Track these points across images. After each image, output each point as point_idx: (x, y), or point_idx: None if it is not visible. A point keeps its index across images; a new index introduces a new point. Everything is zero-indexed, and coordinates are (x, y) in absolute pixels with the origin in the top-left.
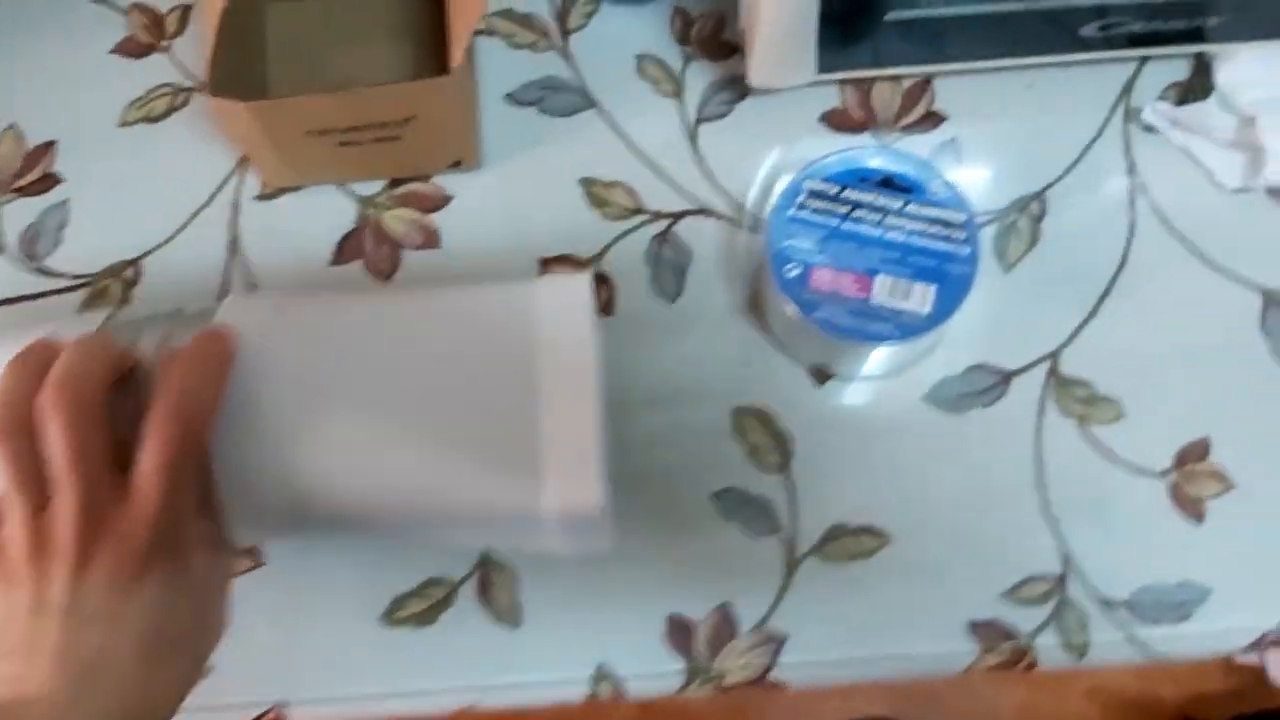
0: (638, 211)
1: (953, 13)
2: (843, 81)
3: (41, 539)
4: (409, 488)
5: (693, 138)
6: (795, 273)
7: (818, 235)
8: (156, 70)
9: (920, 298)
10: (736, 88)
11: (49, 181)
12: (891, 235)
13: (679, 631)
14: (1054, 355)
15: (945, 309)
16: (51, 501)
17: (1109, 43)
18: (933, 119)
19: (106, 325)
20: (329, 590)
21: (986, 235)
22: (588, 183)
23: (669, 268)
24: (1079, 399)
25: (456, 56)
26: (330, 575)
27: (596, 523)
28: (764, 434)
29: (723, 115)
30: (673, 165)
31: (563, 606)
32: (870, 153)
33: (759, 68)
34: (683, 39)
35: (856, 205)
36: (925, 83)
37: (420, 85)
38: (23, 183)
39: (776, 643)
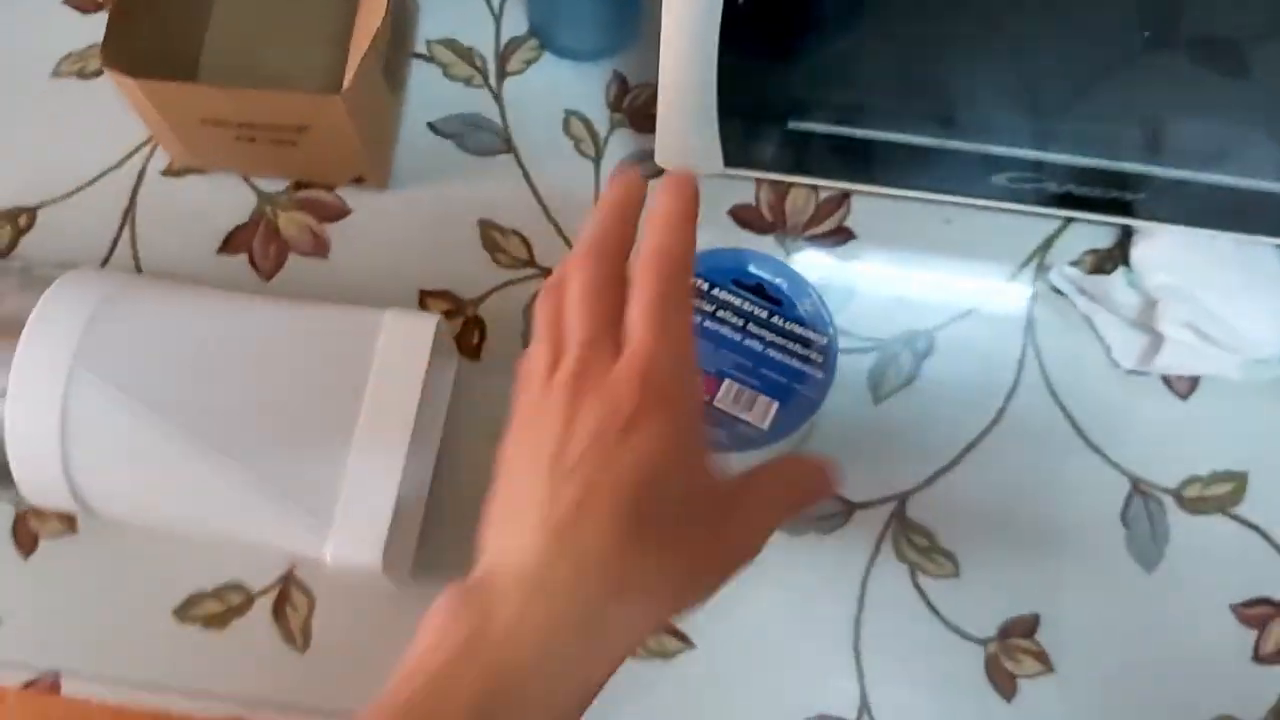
0: (529, 264)
1: (860, 135)
2: (759, 180)
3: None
4: (196, 499)
5: None
6: None
7: None
8: (103, 28)
9: (762, 412)
10: (655, 164)
11: None
12: (750, 343)
13: None
14: (903, 497)
15: (784, 428)
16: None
17: (1036, 197)
18: (842, 234)
19: None
20: (131, 569)
21: (865, 362)
22: (487, 225)
23: None
24: (917, 547)
25: (347, 80)
26: (135, 554)
27: (377, 574)
28: None
29: None
30: (575, 226)
31: (351, 639)
32: (750, 257)
33: (662, 149)
34: (615, 104)
35: (723, 305)
36: (843, 197)
37: (307, 98)
38: None
39: None
